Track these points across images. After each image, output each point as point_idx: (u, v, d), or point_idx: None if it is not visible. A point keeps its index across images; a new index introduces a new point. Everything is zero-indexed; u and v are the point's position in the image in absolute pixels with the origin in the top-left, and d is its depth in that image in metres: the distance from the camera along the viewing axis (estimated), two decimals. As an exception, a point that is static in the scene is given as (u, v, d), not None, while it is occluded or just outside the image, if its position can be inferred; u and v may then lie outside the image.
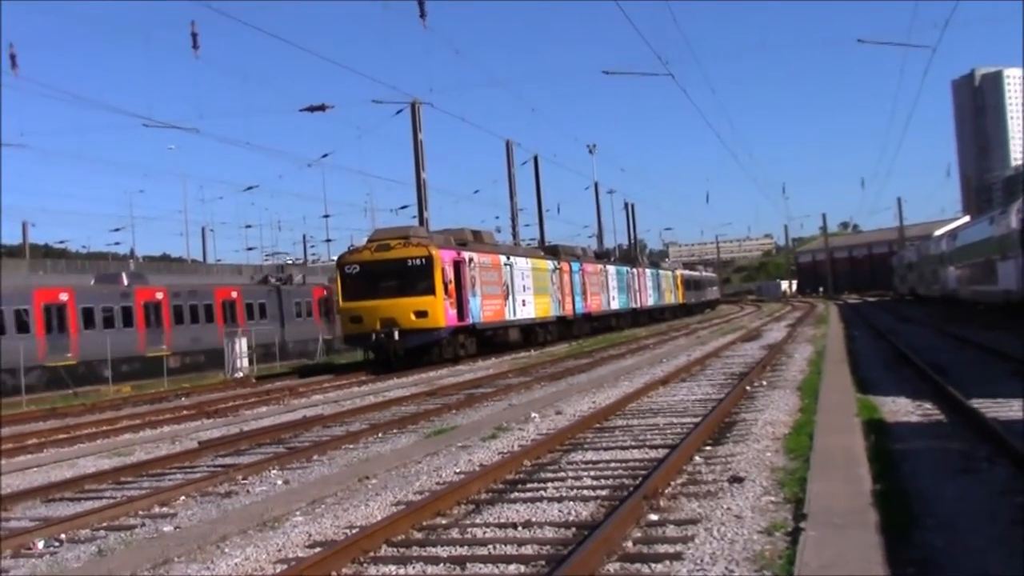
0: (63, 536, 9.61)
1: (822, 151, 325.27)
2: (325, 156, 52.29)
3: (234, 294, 48.44)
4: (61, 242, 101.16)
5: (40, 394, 33.43)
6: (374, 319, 31.88)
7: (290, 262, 77.65)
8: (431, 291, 32.11)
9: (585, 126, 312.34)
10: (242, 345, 39.85)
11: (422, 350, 32.55)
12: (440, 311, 32.25)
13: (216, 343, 43.30)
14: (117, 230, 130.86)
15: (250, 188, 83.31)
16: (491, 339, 37.79)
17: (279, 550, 8.17)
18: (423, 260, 32.26)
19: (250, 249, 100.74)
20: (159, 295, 43.79)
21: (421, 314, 31.93)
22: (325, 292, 54.60)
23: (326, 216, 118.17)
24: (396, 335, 31.63)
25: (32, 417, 24.46)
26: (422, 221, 40.99)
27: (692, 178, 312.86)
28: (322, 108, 38.76)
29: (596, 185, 76.11)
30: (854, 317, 52.97)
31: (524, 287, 41.07)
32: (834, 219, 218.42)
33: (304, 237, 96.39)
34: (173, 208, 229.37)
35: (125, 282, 43.62)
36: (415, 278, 32.19)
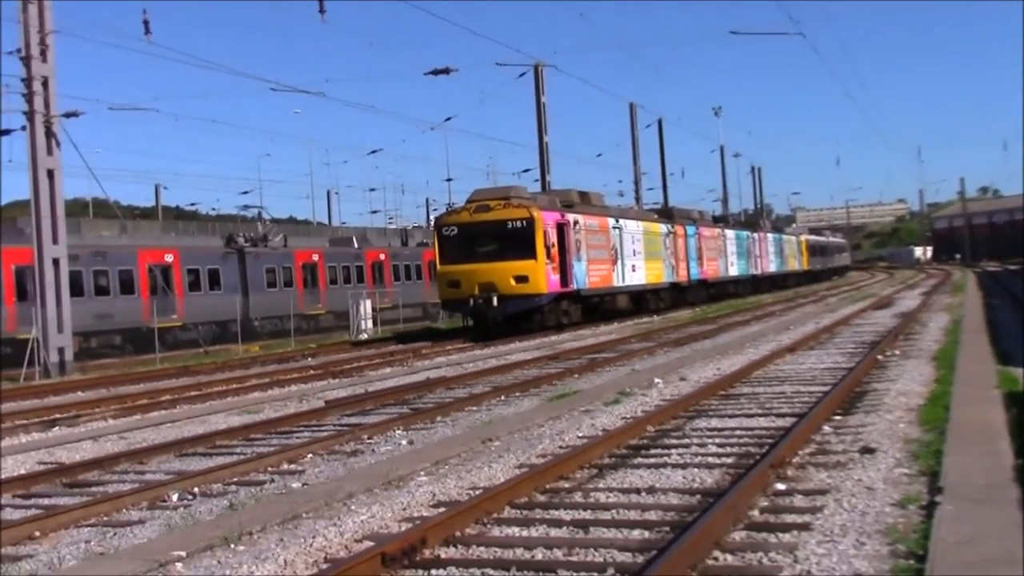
0: (196, 490, 9.91)
1: (960, 112, 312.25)
2: (448, 120, 52.50)
3: (169, 258, 40.41)
4: (192, 205, 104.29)
5: (174, 352, 34.68)
6: (472, 284, 30.69)
7: (413, 226, 77.82)
8: (532, 255, 30.69)
9: (711, 88, 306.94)
10: (366, 307, 40.54)
11: (522, 317, 31.21)
12: (542, 276, 30.90)
13: (139, 320, 36.46)
14: (246, 193, 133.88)
15: (374, 152, 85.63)
16: (597, 306, 36.34)
17: (404, 509, 8.25)
18: (524, 222, 30.88)
19: (374, 212, 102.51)
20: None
21: (521, 279, 30.61)
22: (315, 257, 48.03)
23: (448, 180, 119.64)
24: (495, 301, 30.44)
25: (166, 374, 25.36)
26: (544, 184, 40.84)
27: (822, 141, 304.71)
28: (446, 72, 39.05)
29: (722, 148, 75.18)
30: (993, 286, 51.03)
31: (634, 252, 39.54)
32: (973, 184, 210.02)
33: (427, 200, 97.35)
34: (299, 171, 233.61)
35: None
36: (515, 241, 30.78)
